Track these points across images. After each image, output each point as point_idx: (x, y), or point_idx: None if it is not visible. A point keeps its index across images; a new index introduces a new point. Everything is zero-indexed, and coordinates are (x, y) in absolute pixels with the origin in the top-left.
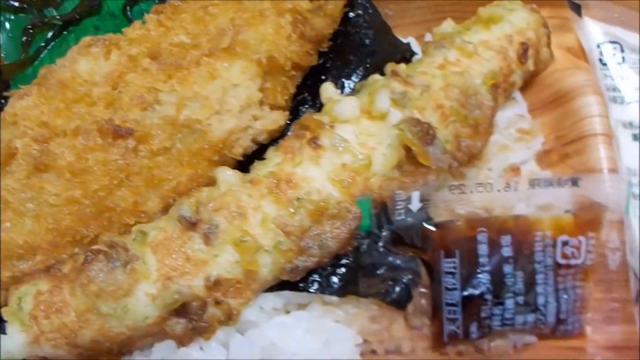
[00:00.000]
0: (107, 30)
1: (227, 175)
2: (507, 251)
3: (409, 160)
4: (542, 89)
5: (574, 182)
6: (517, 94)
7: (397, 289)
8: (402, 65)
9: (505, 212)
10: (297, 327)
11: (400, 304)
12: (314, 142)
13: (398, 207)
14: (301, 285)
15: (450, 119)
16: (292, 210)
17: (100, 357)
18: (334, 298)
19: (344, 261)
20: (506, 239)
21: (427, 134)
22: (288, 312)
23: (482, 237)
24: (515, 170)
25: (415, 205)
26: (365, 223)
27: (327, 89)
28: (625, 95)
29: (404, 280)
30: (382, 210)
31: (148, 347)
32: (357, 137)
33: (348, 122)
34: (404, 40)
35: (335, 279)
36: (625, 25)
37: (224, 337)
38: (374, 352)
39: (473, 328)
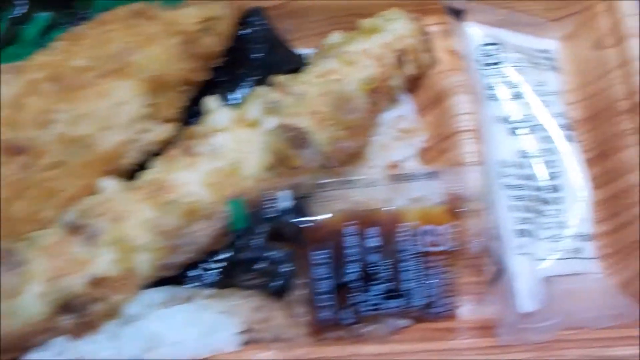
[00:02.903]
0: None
1: (110, 184)
2: (375, 241)
3: (282, 162)
4: (427, 89)
5: (438, 175)
6: (405, 96)
7: (276, 280)
8: (283, 76)
9: (379, 206)
10: (178, 318)
11: (279, 294)
12: (190, 150)
13: (272, 205)
14: (181, 279)
15: (326, 123)
16: (166, 212)
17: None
18: (216, 291)
19: (221, 256)
20: (374, 230)
21: (298, 138)
22: (171, 305)
23: (351, 229)
24: (394, 167)
25: (288, 203)
26: (240, 221)
27: (207, 102)
28: (502, 93)
29: (282, 272)
30: (258, 209)
31: (46, 343)
32: (231, 144)
33: (223, 130)
34: (306, 52)
35: (213, 274)
36: (508, 27)
37: (113, 329)
38: (258, 340)
39: (345, 314)
